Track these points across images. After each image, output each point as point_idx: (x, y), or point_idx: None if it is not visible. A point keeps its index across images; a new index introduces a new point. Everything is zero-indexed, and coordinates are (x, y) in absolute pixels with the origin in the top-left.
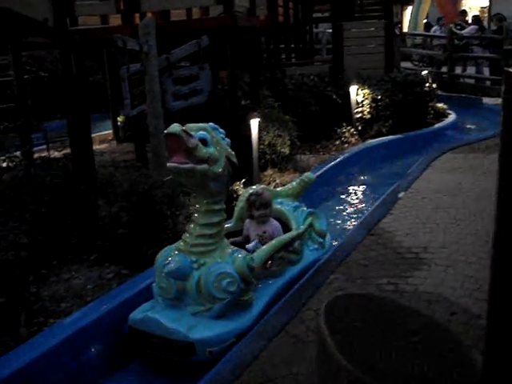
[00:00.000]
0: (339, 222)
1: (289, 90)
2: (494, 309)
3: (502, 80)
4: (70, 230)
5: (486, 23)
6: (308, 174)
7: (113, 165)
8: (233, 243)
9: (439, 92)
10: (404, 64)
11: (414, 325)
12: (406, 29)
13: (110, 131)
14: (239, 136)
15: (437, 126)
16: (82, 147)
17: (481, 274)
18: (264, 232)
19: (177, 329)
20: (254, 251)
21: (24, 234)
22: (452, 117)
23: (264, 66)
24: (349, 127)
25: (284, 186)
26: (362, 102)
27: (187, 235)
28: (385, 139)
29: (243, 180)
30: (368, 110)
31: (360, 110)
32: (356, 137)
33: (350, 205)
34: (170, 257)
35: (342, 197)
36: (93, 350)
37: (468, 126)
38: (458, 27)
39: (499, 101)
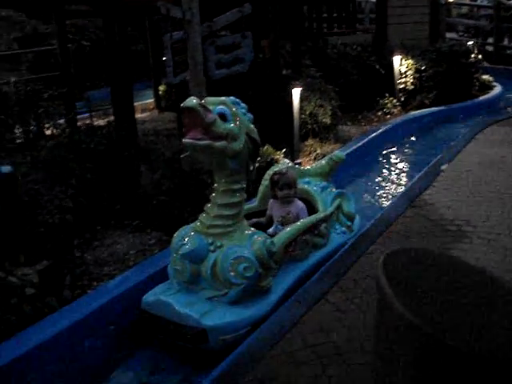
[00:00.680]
0: (379, 193)
1: (331, 59)
2: None
3: None
4: (114, 195)
5: None
6: (337, 153)
7: (155, 133)
8: (256, 224)
9: (485, 64)
10: (449, 35)
11: (470, 279)
12: None
13: (152, 100)
14: (280, 106)
15: (482, 98)
16: (124, 115)
17: None
18: (288, 213)
19: (189, 314)
20: (275, 234)
21: (69, 198)
22: (497, 89)
23: (306, 35)
24: (391, 98)
25: (324, 156)
26: (406, 72)
27: (204, 215)
28: (427, 110)
29: (283, 150)
30: (411, 80)
31: (403, 80)
32: (398, 108)
33: (392, 175)
34: (187, 237)
35: (385, 166)
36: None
37: None
38: None
39: None
